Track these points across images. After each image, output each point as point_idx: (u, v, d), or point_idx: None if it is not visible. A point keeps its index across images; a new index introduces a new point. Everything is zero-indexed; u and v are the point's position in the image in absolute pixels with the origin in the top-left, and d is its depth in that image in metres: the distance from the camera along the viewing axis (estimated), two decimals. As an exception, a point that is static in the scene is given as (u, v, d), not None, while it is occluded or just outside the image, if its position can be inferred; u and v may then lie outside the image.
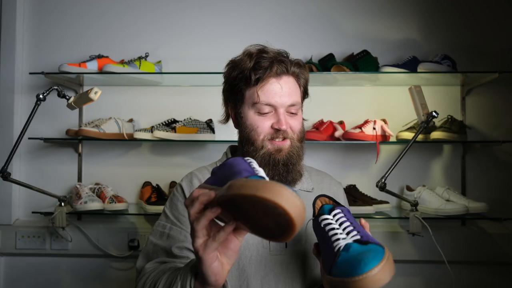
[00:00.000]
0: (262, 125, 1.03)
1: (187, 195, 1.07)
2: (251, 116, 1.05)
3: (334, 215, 0.76)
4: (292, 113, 1.05)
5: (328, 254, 0.71)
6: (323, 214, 0.78)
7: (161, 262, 0.98)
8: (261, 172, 0.66)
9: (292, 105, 1.04)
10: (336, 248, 0.69)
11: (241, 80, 1.05)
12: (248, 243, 1.01)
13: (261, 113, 1.04)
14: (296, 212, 0.50)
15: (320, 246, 0.80)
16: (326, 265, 0.72)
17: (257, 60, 1.03)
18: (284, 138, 1.04)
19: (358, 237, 0.70)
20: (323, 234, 0.75)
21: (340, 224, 0.74)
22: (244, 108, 1.06)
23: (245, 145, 1.07)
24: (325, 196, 0.89)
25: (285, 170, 1.04)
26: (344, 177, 1.97)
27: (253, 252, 1.01)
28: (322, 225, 0.76)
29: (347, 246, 0.68)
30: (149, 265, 0.98)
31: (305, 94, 1.13)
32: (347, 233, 0.72)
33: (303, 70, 1.09)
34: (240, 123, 1.09)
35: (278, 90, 1.02)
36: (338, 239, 0.71)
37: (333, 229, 0.74)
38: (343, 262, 0.66)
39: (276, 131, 1.03)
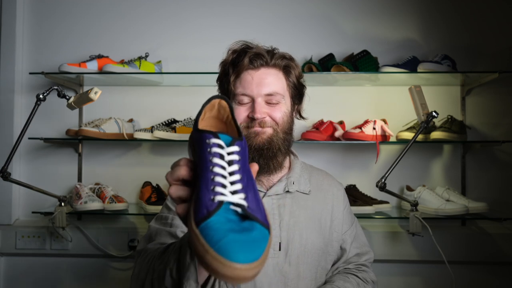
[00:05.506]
0: (239, 114, 1.05)
1: None
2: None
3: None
4: (273, 103, 1.05)
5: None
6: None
7: (163, 243, 0.95)
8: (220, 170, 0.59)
9: (270, 94, 1.04)
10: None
11: (226, 75, 1.09)
12: None
13: (240, 104, 1.06)
14: (243, 281, 0.51)
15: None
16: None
17: (236, 55, 1.07)
18: (264, 127, 1.04)
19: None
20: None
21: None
22: (232, 100, 1.09)
23: None
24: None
25: (258, 154, 1.04)
26: (344, 177, 1.97)
27: None
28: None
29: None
30: (152, 245, 0.96)
31: (296, 87, 1.11)
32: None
33: (290, 63, 1.09)
34: None
35: (256, 80, 1.04)
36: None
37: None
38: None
39: (252, 120, 1.04)
